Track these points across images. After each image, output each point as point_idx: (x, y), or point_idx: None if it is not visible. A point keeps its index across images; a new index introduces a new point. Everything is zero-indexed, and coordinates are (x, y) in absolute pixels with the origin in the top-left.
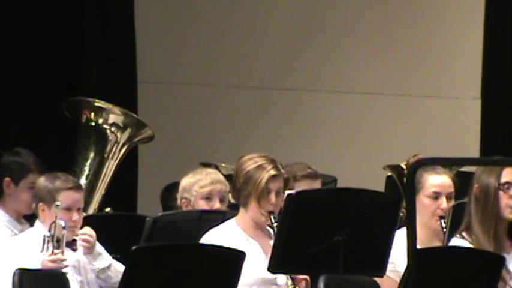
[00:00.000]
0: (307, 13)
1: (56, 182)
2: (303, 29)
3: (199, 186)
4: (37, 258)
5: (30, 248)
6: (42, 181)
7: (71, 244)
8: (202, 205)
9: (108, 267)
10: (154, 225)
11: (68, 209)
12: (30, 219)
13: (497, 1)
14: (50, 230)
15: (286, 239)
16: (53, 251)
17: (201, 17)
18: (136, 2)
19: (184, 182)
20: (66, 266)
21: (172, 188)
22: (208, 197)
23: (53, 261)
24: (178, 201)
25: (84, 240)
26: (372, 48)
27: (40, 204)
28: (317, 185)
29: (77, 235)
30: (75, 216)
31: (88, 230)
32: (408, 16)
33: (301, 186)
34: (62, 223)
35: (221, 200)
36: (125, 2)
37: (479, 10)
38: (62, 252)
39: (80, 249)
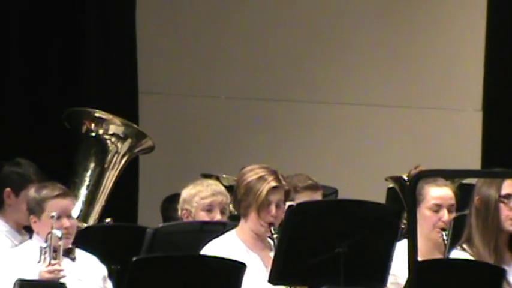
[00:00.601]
0: (308, 25)
1: (42, 191)
2: (304, 41)
3: (200, 197)
4: (35, 270)
5: (28, 260)
6: (31, 193)
7: (69, 253)
8: (203, 216)
9: None
10: (154, 236)
11: (58, 216)
12: (30, 230)
13: (499, 13)
14: (46, 241)
15: (286, 251)
16: (50, 262)
17: (202, 29)
18: (138, 12)
19: (185, 193)
20: (63, 276)
21: (172, 199)
22: (209, 209)
23: (50, 272)
24: (179, 212)
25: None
26: (374, 60)
27: (31, 216)
28: (318, 196)
29: (72, 242)
30: (66, 223)
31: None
32: (409, 28)
33: (302, 197)
34: (58, 233)
35: (222, 212)
36: (126, 13)
37: (481, 22)
38: (59, 263)
39: (79, 258)
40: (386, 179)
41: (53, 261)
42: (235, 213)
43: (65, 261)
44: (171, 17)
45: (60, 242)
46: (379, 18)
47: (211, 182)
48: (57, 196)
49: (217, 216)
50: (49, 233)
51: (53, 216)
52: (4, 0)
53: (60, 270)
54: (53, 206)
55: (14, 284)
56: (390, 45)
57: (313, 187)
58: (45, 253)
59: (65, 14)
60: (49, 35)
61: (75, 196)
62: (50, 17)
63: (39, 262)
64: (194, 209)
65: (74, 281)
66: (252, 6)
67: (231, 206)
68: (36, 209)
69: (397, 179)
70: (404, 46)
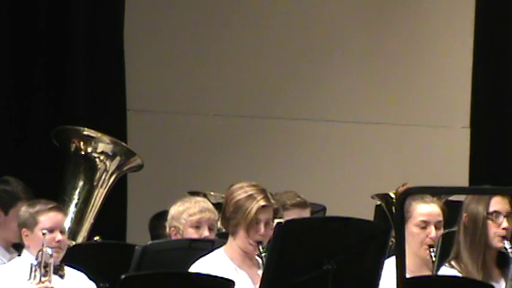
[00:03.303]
0: (296, 43)
1: (36, 205)
2: (292, 59)
3: (188, 214)
4: (24, 287)
5: (17, 277)
6: (23, 208)
7: (58, 270)
8: (191, 233)
9: None
10: (143, 254)
11: (51, 230)
12: (18, 248)
13: (487, 29)
14: (37, 258)
15: (275, 268)
16: (40, 279)
17: (190, 47)
18: (126, 30)
19: (173, 210)
20: None
21: (160, 217)
22: (197, 225)
23: None
24: (167, 229)
25: None
26: (360, 78)
27: (23, 230)
28: (306, 213)
29: (62, 257)
30: (59, 236)
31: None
32: (397, 46)
33: (291, 214)
34: (49, 251)
35: (210, 228)
36: (114, 31)
37: (469, 39)
38: (50, 281)
39: (68, 276)
40: (373, 197)
41: (43, 279)
42: (223, 230)
43: (54, 279)
44: (159, 34)
45: (51, 260)
46: (365, 35)
47: (199, 199)
48: (51, 209)
49: (206, 233)
50: (40, 250)
51: (44, 233)
52: None
53: None
54: (47, 219)
55: None
56: (378, 62)
57: (302, 205)
58: (35, 270)
59: (51, 30)
60: (35, 53)
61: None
62: (36, 34)
63: (29, 279)
64: (182, 225)
65: None
66: (240, 24)
67: (219, 223)
68: (29, 221)
69: (384, 196)
70: (391, 63)
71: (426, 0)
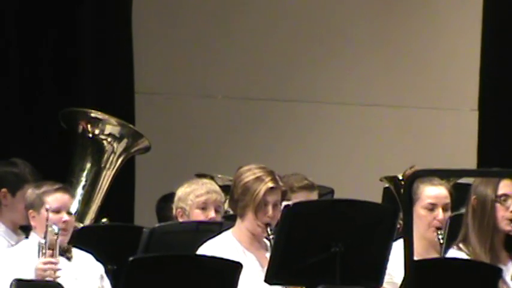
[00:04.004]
0: (306, 25)
1: (43, 186)
2: (301, 41)
3: (194, 195)
4: (32, 269)
5: (26, 259)
6: (30, 190)
7: (65, 252)
8: (197, 214)
9: None
10: (151, 236)
11: (58, 211)
12: (26, 230)
13: (495, 13)
14: (45, 237)
15: (283, 250)
16: (46, 257)
17: (198, 29)
18: (134, 13)
19: (180, 191)
20: (58, 269)
21: (168, 199)
22: (203, 207)
23: (45, 263)
24: (174, 211)
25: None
26: (370, 61)
27: (30, 211)
28: (314, 196)
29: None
30: (65, 217)
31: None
32: (406, 29)
33: (298, 197)
34: (55, 229)
35: (216, 210)
36: (122, 13)
37: (477, 22)
38: (56, 258)
39: (75, 257)
40: (381, 179)
41: (50, 259)
42: (231, 213)
43: (61, 261)
44: (167, 17)
45: (57, 237)
46: (375, 18)
47: (206, 181)
48: (57, 190)
49: (212, 214)
50: (46, 226)
51: (47, 209)
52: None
53: (55, 264)
54: (54, 200)
55: (11, 284)
56: (386, 45)
57: (309, 187)
58: (43, 249)
59: (59, 13)
60: (43, 35)
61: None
62: (44, 17)
63: (38, 258)
64: (189, 207)
65: (71, 280)
66: (249, 7)
67: (225, 205)
68: (35, 203)
69: (393, 179)
70: (400, 47)
71: None
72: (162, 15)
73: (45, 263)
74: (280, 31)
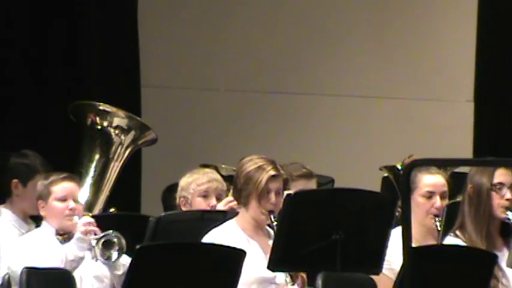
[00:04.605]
0: (306, 20)
1: (50, 177)
2: (301, 36)
3: (196, 184)
4: (44, 255)
5: (39, 245)
6: (39, 180)
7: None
8: (199, 202)
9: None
10: (157, 224)
11: (64, 199)
12: (36, 220)
13: (490, 5)
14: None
15: (285, 238)
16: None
17: (201, 25)
18: (140, 10)
19: (183, 181)
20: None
21: (173, 189)
22: (205, 195)
23: (85, 224)
24: (177, 200)
25: (85, 232)
26: (368, 54)
27: (39, 201)
28: (312, 184)
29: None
30: (72, 204)
31: (85, 219)
32: (403, 22)
33: (297, 185)
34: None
35: (218, 198)
36: (128, 9)
37: (472, 14)
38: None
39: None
40: (380, 169)
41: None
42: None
43: (86, 260)
44: (172, 14)
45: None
46: (372, 12)
47: (208, 170)
48: (63, 179)
49: (213, 202)
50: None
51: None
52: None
53: (93, 224)
54: (60, 188)
55: (21, 272)
56: (384, 39)
57: (308, 175)
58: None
59: (65, 8)
60: (50, 28)
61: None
62: (50, 12)
63: (92, 258)
64: (191, 195)
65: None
66: (249, 3)
67: (230, 194)
68: (44, 193)
69: (391, 168)
70: (398, 40)
71: None
72: (167, 13)
73: (85, 224)
74: (280, 27)
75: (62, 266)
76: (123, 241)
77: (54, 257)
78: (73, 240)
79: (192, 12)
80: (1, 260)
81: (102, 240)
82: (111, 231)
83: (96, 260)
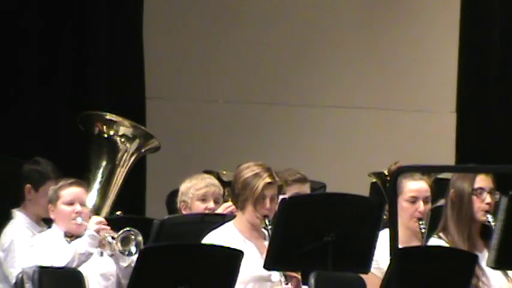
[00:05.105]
0: (299, 36)
1: (59, 182)
2: (295, 52)
3: (195, 189)
4: (55, 254)
5: (51, 244)
6: (50, 185)
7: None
8: (198, 205)
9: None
10: (161, 227)
11: (71, 203)
12: (48, 222)
13: (472, 17)
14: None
15: (280, 240)
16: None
17: (202, 41)
18: (144, 26)
19: (183, 187)
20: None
21: (176, 194)
22: (203, 199)
23: (97, 223)
24: (178, 204)
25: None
26: (357, 67)
27: (49, 205)
28: (306, 188)
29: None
30: (78, 207)
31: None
32: (390, 37)
33: (292, 189)
34: (79, 220)
35: (215, 201)
36: (133, 23)
37: (455, 30)
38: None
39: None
40: (369, 175)
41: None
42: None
43: (94, 257)
44: (175, 30)
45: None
46: (361, 27)
47: (206, 175)
48: (71, 184)
49: (211, 205)
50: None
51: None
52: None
53: (104, 223)
54: (68, 193)
55: (34, 272)
56: (372, 53)
57: (302, 180)
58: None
59: (72, 21)
60: (60, 41)
61: (89, 190)
62: (58, 24)
63: (100, 255)
64: (190, 199)
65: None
66: (248, 14)
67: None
68: (53, 197)
69: (379, 175)
70: (385, 54)
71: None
72: (170, 30)
73: (97, 223)
74: (274, 42)
75: (70, 260)
76: (140, 237)
77: (63, 255)
78: (85, 236)
79: (193, 29)
80: (15, 260)
81: (121, 236)
82: (128, 228)
83: (111, 255)
